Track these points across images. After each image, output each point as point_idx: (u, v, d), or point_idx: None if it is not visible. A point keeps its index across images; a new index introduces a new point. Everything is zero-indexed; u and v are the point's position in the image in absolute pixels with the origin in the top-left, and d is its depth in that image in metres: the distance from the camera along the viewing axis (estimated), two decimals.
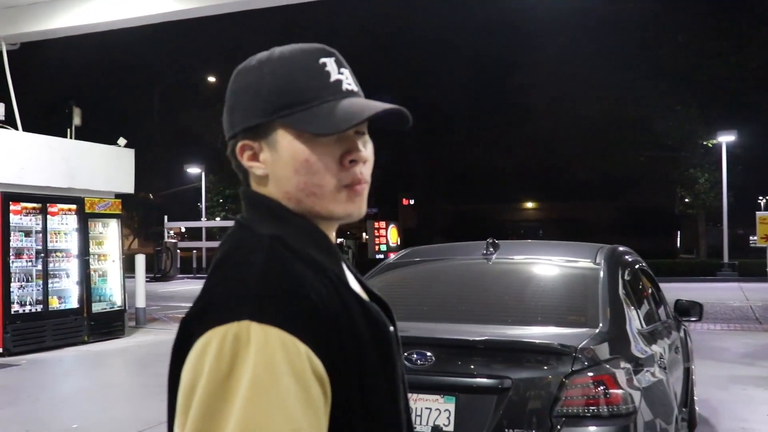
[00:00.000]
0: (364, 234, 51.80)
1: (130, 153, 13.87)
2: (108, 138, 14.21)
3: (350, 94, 1.19)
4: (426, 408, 3.37)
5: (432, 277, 4.53)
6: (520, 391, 3.23)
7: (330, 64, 1.19)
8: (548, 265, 4.29)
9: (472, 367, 3.38)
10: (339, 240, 43.20)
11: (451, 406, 3.33)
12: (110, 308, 12.71)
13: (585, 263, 4.21)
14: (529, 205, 56.76)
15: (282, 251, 1.11)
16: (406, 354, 3.42)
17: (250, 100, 1.18)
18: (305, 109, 1.14)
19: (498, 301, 3.97)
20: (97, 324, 12.27)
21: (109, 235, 12.95)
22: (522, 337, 3.47)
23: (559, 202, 51.41)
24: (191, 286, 26.75)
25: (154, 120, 45.66)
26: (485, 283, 4.21)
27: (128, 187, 13.68)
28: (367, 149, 1.22)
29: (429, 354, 3.38)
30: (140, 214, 46.97)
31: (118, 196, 13.44)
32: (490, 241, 4.37)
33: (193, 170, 39.15)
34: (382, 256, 34.35)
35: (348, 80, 1.20)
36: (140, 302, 14.40)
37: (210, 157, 40.65)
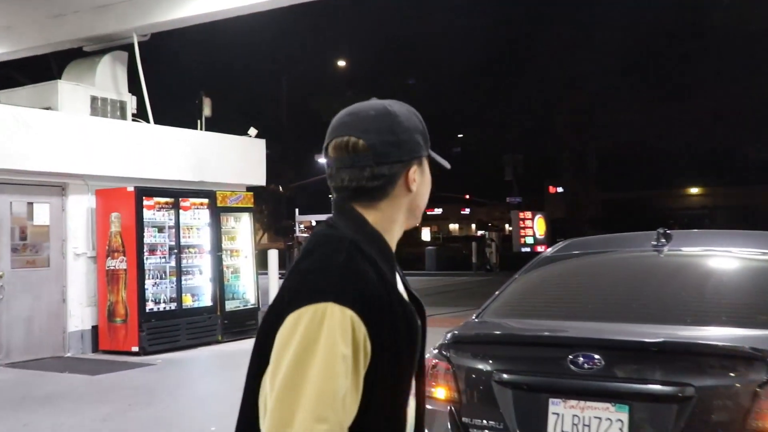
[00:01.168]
0: (506, 225, 51.36)
1: (261, 143, 14.33)
2: (237, 129, 14.74)
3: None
4: (595, 417, 3.28)
5: (596, 272, 4.39)
6: (705, 401, 3.08)
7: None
8: (731, 257, 4.06)
9: (648, 372, 3.25)
10: (480, 232, 43.05)
11: (624, 416, 3.22)
12: (243, 306, 13.19)
13: None
14: (694, 190, 54.33)
15: (357, 254, 1.62)
16: (571, 357, 3.34)
17: (420, 138, 1.76)
18: (428, 149, 1.79)
19: (674, 298, 3.79)
20: (230, 323, 12.78)
21: (242, 230, 13.43)
22: (705, 339, 3.30)
23: (729, 187, 48.86)
24: None
25: (283, 108, 47.08)
26: (658, 277, 4.03)
27: (260, 179, 14.14)
28: None
29: (597, 357, 3.29)
30: (270, 208, 48.55)
31: (249, 188, 13.91)
32: (661, 231, 4.19)
33: (324, 160, 40.09)
34: (528, 250, 33.92)
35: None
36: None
37: None
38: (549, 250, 4.81)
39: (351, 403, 1.53)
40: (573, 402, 3.34)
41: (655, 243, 4.16)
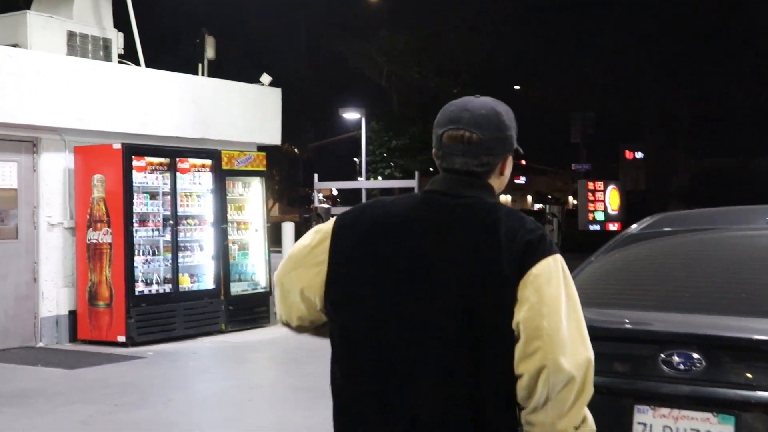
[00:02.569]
0: (571, 198, 51.07)
1: (276, 93, 14.31)
2: (247, 77, 14.71)
3: None
4: (692, 429, 3.27)
5: (695, 254, 4.35)
6: None
7: None
8: None
9: (759, 376, 3.24)
10: (539, 206, 42.84)
11: (730, 429, 3.22)
12: (252, 290, 13.28)
13: None
14: None
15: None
16: (664, 355, 3.33)
17: (515, 134, 2.60)
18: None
19: None
20: (236, 309, 12.86)
21: (251, 198, 13.48)
22: None
23: None
24: None
25: (301, 54, 46.99)
26: None
27: (274, 137, 14.14)
28: None
29: (696, 356, 3.28)
30: (283, 173, 48.63)
31: (260, 148, 13.90)
32: None
33: (351, 116, 39.87)
34: (598, 228, 33.71)
35: None
36: None
37: (372, 99, 41.26)
38: (635, 226, 4.76)
39: None
40: (665, 410, 3.35)
41: None
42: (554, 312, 2.32)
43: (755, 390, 3.22)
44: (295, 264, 2.56)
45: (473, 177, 2.52)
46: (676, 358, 3.31)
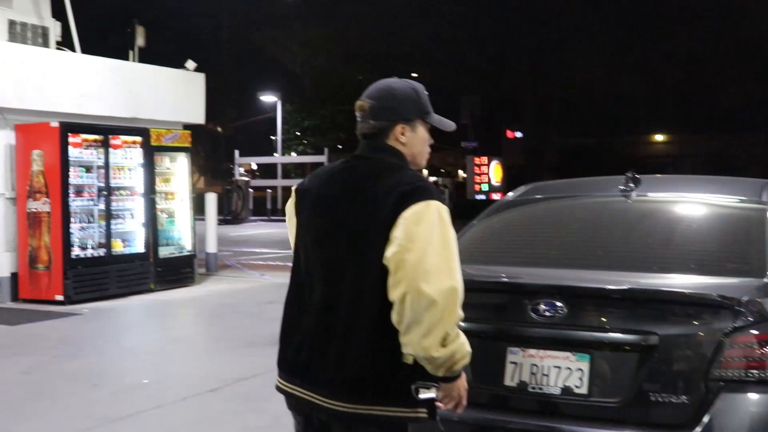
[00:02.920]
0: (461, 172, 51.54)
1: (200, 78, 14.09)
2: (173, 62, 14.45)
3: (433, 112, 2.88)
4: (554, 366, 3.34)
5: (561, 218, 4.44)
6: (667, 350, 3.15)
7: (427, 95, 2.85)
8: (701, 203, 4.14)
9: (611, 320, 3.31)
10: (433, 179, 43.20)
11: (585, 365, 3.29)
12: (179, 253, 13.12)
13: (747, 201, 4.04)
14: (659, 137, 55.09)
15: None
16: (532, 304, 3.39)
17: (411, 106, 2.80)
18: (429, 116, 2.84)
19: (641, 245, 3.85)
20: (164, 270, 12.71)
21: (178, 172, 13.28)
22: (671, 287, 3.37)
23: (696, 135, 49.67)
24: (266, 230, 27.35)
25: (223, 41, 46.22)
26: (625, 223, 4.09)
27: (198, 116, 13.93)
28: None
29: (559, 305, 3.34)
30: (208, 149, 47.99)
31: (186, 127, 13.70)
32: (630, 174, 4.24)
33: (268, 98, 39.49)
34: (483, 197, 34.17)
35: None
36: (211, 247, 14.78)
37: (287, 84, 40.93)
38: (510, 194, 4.83)
39: None
40: (532, 351, 3.40)
41: (624, 187, 4.21)
42: (418, 247, 2.50)
43: (607, 332, 3.29)
44: (288, 217, 2.94)
45: (372, 139, 2.78)
46: (542, 306, 3.36)
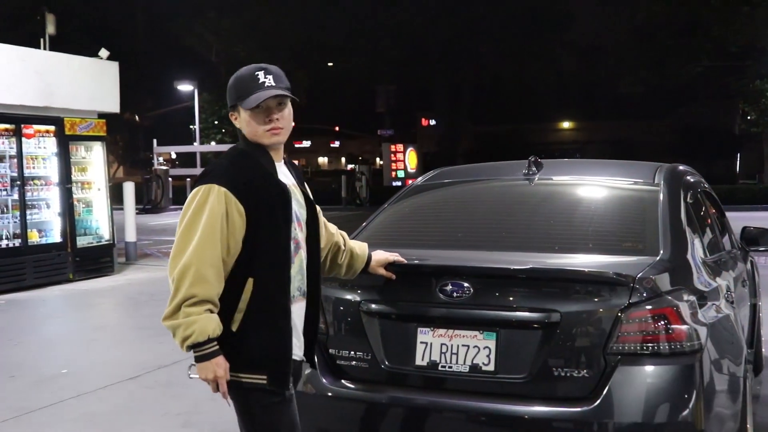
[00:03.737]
0: (377, 159, 51.66)
1: (114, 66, 13.76)
2: (87, 51, 14.11)
3: (268, 87, 2.92)
4: (463, 345, 3.39)
5: (466, 201, 4.49)
6: (569, 326, 3.23)
7: (261, 74, 2.95)
8: (599, 186, 4.23)
9: (515, 299, 3.37)
10: (350, 166, 43.17)
11: (492, 343, 3.35)
12: (97, 242, 12.86)
13: (642, 184, 4.15)
14: (566, 124, 56.24)
15: (241, 156, 2.97)
16: (440, 285, 3.43)
17: (232, 93, 2.99)
18: (246, 98, 2.92)
19: (543, 227, 3.93)
20: (83, 260, 12.43)
21: (94, 161, 12.99)
22: (571, 266, 3.45)
23: (601, 121, 50.91)
24: None
25: (138, 30, 45.20)
26: (528, 206, 4.16)
27: (113, 105, 13.62)
28: (281, 113, 2.98)
29: (466, 285, 3.38)
30: (125, 138, 46.98)
31: (101, 116, 13.40)
32: (533, 159, 4.32)
33: (185, 87, 38.81)
34: (399, 184, 34.33)
35: (269, 81, 2.94)
36: (130, 236, 14.51)
37: (203, 73, 40.26)
38: (419, 179, 4.87)
39: (232, 244, 2.82)
40: (441, 331, 3.44)
41: (527, 171, 4.28)
42: (178, 229, 2.83)
43: (512, 311, 3.35)
44: None
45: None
46: (449, 287, 3.40)
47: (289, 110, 3.01)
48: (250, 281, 2.84)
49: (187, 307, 2.71)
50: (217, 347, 2.76)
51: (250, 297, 2.84)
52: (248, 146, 2.97)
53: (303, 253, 3.04)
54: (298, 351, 3.01)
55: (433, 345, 3.44)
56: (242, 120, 2.96)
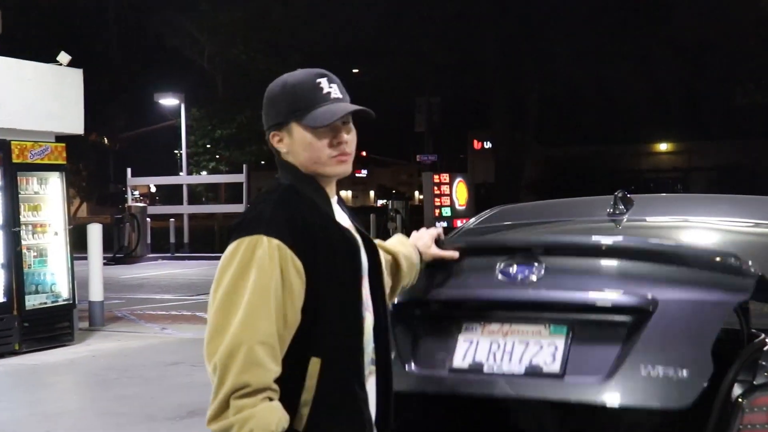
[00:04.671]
0: (417, 193, 51.83)
1: (77, 75, 13.93)
2: (43, 55, 14.29)
3: (336, 100, 2.85)
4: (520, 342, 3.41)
5: None
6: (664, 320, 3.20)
7: (323, 82, 2.86)
8: (709, 229, 4.19)
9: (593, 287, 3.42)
10: (382, 202, 43.26)
11: (560, 341, 3.35)
12: (52, 303, 12.90)
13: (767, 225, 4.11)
14: (663, 147, 56.12)
15: (290, 194, 2.83)
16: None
17: (277, 108, 2.88)
18: (308, 112, 2.81)
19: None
20: (33, 326, 12.46)
21: (50, 197, 13.10)
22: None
23: (709, 142, 50.69)
24: (168, 270, 27.12)
25: (111, 30, 45.92)
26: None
27: (75, 125, 13.77)
28: (349, 134, 2.89)
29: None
30: (91, 167, 47.51)
31: (60, 138, 13.54)
32: (620, 194, 4.29)
33: (168, 101, 39.26)
34: (444, 225, 34.28)
35: (335, 92, 2.86)
36: (96, 294, 14.56)
37: (193, 83, 40.71)
38: (472, 220, 4.85)
39: (290, 314, 2.69)
40: (494, 326, 3.47)
41: (612, 210, 4.25)
42: (211, 296, 2.72)
43: (588, 300, 3.38)
44: None
45: (278, 158, 2.96)
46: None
47: (354, 133, 2.93)
48: (315, 362, 2.73)
49: (238, 400, 2.57)
50: None
51: (317, 383, 2.72)
52: (297, 179, 2.87)
53: (369, 316, 2.95)
54: None
55: (480, 343, 3.47)
56: (297, 142, 2.85)
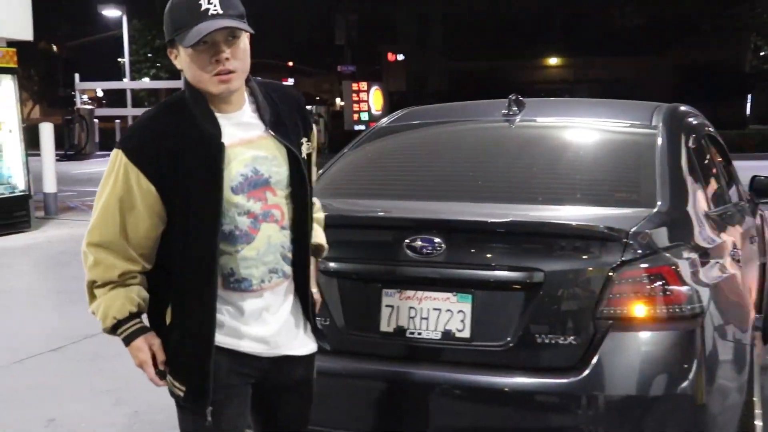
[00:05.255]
0: (338, 100, 51.40)
1: None
2: None
3: (214, 17, 2.51)
4: (434, 309, 3.40)
5: (438, 145, 4.48)
6: (554, 287, 3.24)
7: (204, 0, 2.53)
8: (588, 128, 4.25)
9: (494, 257, 3.38)
10: (308, 107, 42.98)
11: (467, 307, 3.35)
12: (10, 193, 12.74)
13: (637, 126, 4.17)
14: (553, 61, 56.16)
15: (169, 108, 2.71)
16: (408, 241, 3.41)
17: (166, 27, 2.62)
18: (185, 32, 2.53)
19: (524, 175, 3.94)
20: None
21: (3, 98, 12.82)
22: (556, 220, 3.46)
23: (592, 58, 50.88)
24: None
25: None
26: (508, 151, 4.17)
27: (24, 31, 13.39)
28: (231, 51, 2.57)
29: (437, 241, 3.37)
30: (41, 72, 46.22)
31: (10, 44, 13.18)
32: (513, 98, 4.31)
33: (111, 13, 38.19)
34: (362, 128, 34.20)
35: (215, 7, 2.52)
36: (49, 186, 14.36)
37: None
38: (384, 119, 4.85)
39: (144, 228, 2.62)
40: (410, 293, 3.45)
41: (506, 112, 4.28)
42: None
43: (489, 270, 3.35)
44: None
45: None
46: (419, 243, 3.38)
47: (244, 46, 2.62)
48: (173, 265, 2.69)
49: (93, 291, 2.73)
50: (135, 328, 2.67)
51: (174, 284, 2.69)
52: (191, 93, 2.65)
53: (273, 227, 2.72)
54: (283, 346, 2.80)
55: (400, 309, 3.45)
56: (182, 61, 2.62)
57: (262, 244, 2.68)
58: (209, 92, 2.60)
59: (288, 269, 2.77)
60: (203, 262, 2.63)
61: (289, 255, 2.77)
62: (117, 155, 2.59)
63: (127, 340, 2.67)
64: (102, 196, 2.64)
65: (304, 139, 2.81)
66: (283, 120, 2.75)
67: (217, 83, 2.58)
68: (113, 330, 2.67)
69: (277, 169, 2.70)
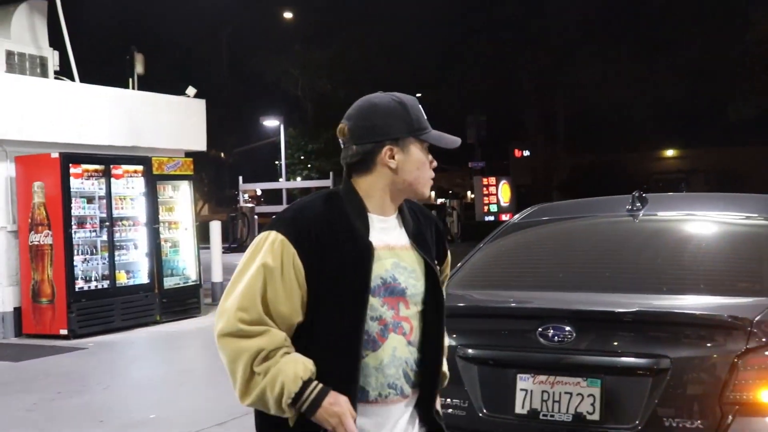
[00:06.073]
0: (469, 193, 51.53)
1: (201, 104, 14.17)
2: (173, 90, 14.55)
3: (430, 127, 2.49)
4: (566, 393, 3.34)
5: (567, 239, 4.45)
6: (680, 373, 3.15)
7: (421, 108, 2.46)
8: (710, 221, 4.15)
9: (621, 344, 3.32)
10: (440, 200, 43.24)
11: (596, 391, 3.29)
12: (184, 283, 13.14)
13: (756, 218, 4.06)
14: (670, 153, 55.06)
15: (322, 198, 2.45)
16: (540, 329, 3.39)
17: (397, 122, 2.40)
18: (426, 131, 2.45)
19: (649, 266, 3.86)
20: (169, 301, 12.71)
21: (181, 200, 13.33)
22: (681, 309, 3.37)
23: (708, 149, 49.64)
24: None
25: (224, 68, 46.48)
26: (633, 244, 4.10)
27: (200, 143, 14.00)
28: None
29: (568, 329, 3.34)
30: (211, 176, 48.10)
31: (188, 154, 13.78)
32: (637, 194, 4.26)
33: (270, 123, 39.67)
34: (492, 219, 34.12)
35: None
36: (217, 276, 14.77)
37: (289, 108, 41.09)
38: (516, 216, 4.85)
39: (285, 308, 2.32)
40: (542, 377, 3.40)
41: (630, 207, 4.23)
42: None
43: (618, 356, 3.29)
44: None
45: (352, 169, 2.46)
46: (551, 331, 3.37)
47: None
48: (314, 351, 2.35)
49: (261, 364, 2.28)
50: (320, 386, 2.26)
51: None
52: (347, 190, 2.44)
53: (400, 339, 2.41)
54: None
55: (533, 392, 3.40)
56: (412, 160, 2.42)
57: (387, 354, 2.38)
58: (421, 194, 2.47)
59: (408, 389, 2.43)
60: (347, 358, 2.33)
61: (412, 374, 2.43)
62: (268, 235, 2.34)
63: (317, 400, 2.25)
64: (244, 272, 2.36)
65: (436, 262, 2.54)
66: (424, 236, 2.53)
67: (429, 186, 2.48)
68: (297, 400, 2.25)
69: (415, 282, 2.45)
